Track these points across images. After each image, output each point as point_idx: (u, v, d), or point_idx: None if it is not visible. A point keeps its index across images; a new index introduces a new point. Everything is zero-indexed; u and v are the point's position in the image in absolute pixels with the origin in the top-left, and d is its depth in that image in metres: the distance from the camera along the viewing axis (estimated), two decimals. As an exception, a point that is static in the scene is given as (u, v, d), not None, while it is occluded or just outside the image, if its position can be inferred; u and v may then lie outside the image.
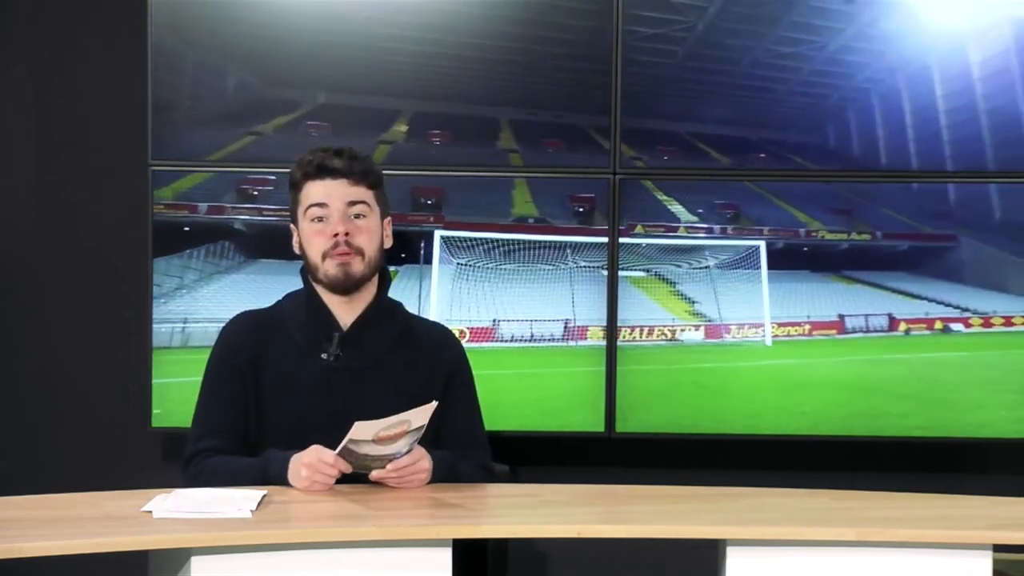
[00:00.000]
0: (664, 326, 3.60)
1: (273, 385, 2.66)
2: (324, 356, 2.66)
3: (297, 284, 2.75)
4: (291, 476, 2.50)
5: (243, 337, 2.71)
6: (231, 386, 2.67)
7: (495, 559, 2.82)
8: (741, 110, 3.51)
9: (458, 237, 3.67)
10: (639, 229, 3.61)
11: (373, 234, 2.67)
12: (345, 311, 2.69)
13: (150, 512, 2.24)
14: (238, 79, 3.67)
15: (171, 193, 3.66)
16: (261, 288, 3.58)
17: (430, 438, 2.57)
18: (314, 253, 2.65)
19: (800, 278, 3.50)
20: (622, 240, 3.63)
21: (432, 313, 3.59)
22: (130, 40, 3.74)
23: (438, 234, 3.67)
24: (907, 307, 3.47)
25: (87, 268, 3.90)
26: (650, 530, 2.30)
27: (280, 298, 2.78)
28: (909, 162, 3.46)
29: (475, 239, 3.66)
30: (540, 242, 3.65)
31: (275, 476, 2.51)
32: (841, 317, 3.49)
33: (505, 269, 3.64)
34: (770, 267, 3.53)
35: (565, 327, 3.63)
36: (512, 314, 3.65)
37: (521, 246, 3.66)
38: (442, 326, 2.91)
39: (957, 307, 3.44)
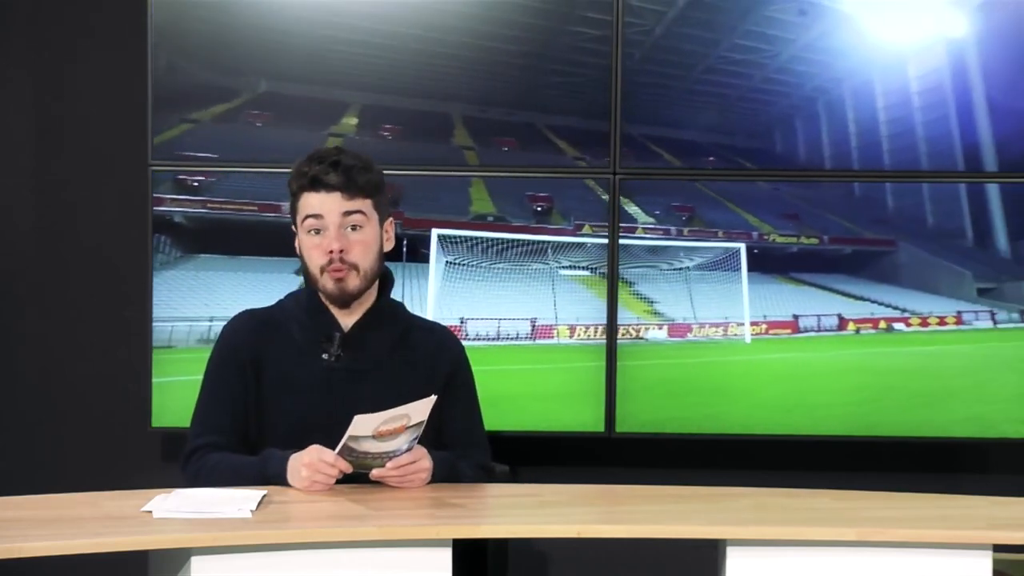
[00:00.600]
0: (628, 325, 3.66)
1: (273, 385, 2.66)
2: (325, 357, 2.66)
3: (282, 283, 2.76)
4: (290, 476, 2.50)
5: (244, 336, 2.71)
6: (231, 385, 2.67)
7: (495, 559, 2.82)
8: (694, 114, 3.60)
9: (449, 236, 3.68)
10: (587, 229, 3.67)
11: (369, 246, 2.66)
12: (346, 312, 2.69)
13: (150, 512, 2.24)
14: (168, 62, 3.63)
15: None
16: (201, 285, 3.60)
17: (430, 438, 2.57)
18: (312, 266, 2.65)
19: (752, 279, 3.62)
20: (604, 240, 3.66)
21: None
22: (130, 40, 3.74)
23: (435, 233, 3.68)
24: (853, 308, 3.62)
25: (87, 268, 3.90)
26: (650, 530, 2.30)
27: (282, 297, 2.79)
28: (851, 168, 3.60)
29: (459, 237, 3.68)
30: (519, 241, 3.69)
31: (274, 476, 2.51)
32: (795, 317, 3.60)
33: (479, 267, 3.66)
34: (726, 269, 3.64)
35: (532, 326, 3.66)
36: (481, 312, 3.67)
37: (495, 245, 3.68)
38: (443, 327, 2.90)
39: (897, 308, 3.59)
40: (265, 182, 3.66)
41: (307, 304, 2.71)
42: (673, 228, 3.63)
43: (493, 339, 3.66)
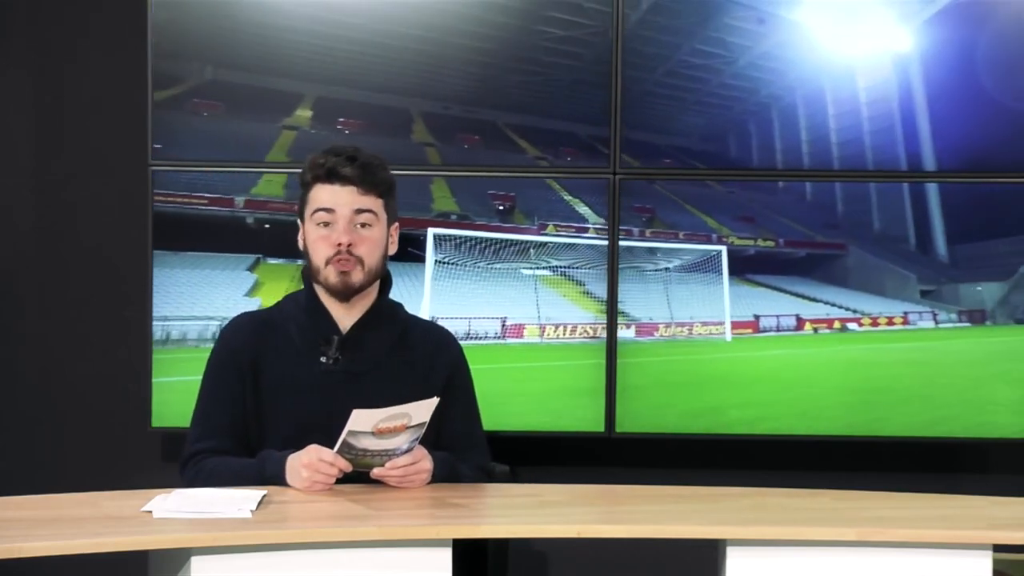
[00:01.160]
0: (586, 324, 3.70)
1: (272, 387, 2.66)
2: (323, 359, 2.66)
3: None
4: (289, 477, 2.50)
5: (243, 338, 2.70)
6: (230, 387, 2.67)
7: (495, 559, 2.82)
8: (651, 116, 3.65)
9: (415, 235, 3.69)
10: (551, 229, 3.70)
11: (376, 244, 2.66)
12: (345, 314, 2.69)
13: (150, 512, 2.24)
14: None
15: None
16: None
17: (430, 440, 2.57)
18: (317, 258, 2.65)
19: (710, 280, 3.69)
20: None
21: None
22: (130, 40, 3.74)
23: (431, 232, 3.68)
24: (810, 309, 3.72)
25: (87, 268, 3.90)
26: (650, 530, 2.30)
27: (280, 299, 2.79)
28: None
29: (447, 236, 3.69)
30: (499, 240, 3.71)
31: (272, 477, 2.51)
32: (756, 318, 3.69)
33: (457, 266, 3.67)
34: (688, 271, 3.72)
35: (502, 325, 3.68)
36: (452, 312, 3.68)
37: (466, 243, 3.71)
38: (442, 328, 2.90)
39: (848, 308, 3.70)
40: (212, 176, 3.66)
41: (306, 304, 2.71)
42: (636, 229, 3.70)
43: (462, 338, 3.69)
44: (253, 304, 3.65)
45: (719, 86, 3.63)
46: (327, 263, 2.63)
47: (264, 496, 2.36)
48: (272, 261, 3.71)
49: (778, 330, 3.67)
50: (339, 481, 2.48)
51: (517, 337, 3.68)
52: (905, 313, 3.66)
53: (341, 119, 3.67)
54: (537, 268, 3.71)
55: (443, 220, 3.69)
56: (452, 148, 3.68)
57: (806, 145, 3.63)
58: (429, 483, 2.55)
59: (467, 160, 3.69)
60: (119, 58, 3.83)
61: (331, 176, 2.63)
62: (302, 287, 2.76)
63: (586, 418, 3.69)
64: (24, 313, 3.92)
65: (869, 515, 2.39)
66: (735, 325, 3.68)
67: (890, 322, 3.65)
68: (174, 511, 2.24)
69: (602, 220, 3.67)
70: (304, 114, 3.67)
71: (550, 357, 3.73)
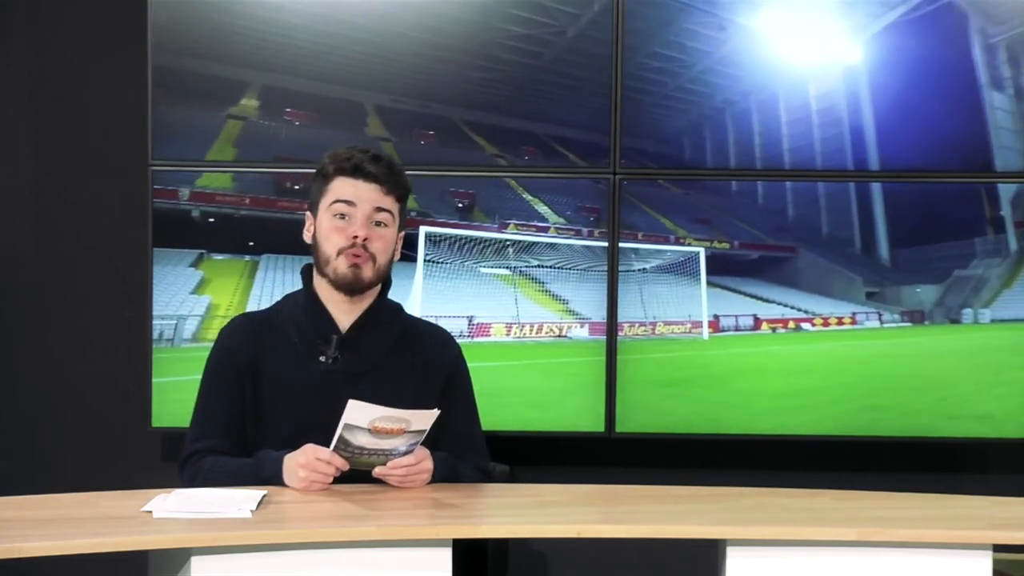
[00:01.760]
0: (553, 323, 3.75)
1: (271, 387, 2.66)
2: (322, 359, 2.66)
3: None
4: (286, 476, 2.50)
5: (241, 339, 2.70)
6: (229, 388, 2.67)
7: (495, 559, 2.82)
8: (605, 117, 3.68)
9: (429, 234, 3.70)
10: (512, 228, 3.73)
11: (389, 244, 2.68)
12: (345, 313, 2.69)
13: (150, 512, 2.24)
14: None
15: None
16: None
17: (429, 441, 2.57)
18: (328, 247, 2.65)
19: (668, 281, 3.75)
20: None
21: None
22: (130, 40, 3.74)
23: (423, 230, 3.69)
24: (763, 310, 3.81)
25: (87, 268, 3.90)
26: (650, 530, 2.30)
27: (278, 299, 2.79)
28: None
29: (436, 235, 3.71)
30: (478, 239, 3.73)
31: (269, 477, 2.51)
32: (716, 317, 3.77)
33: (440, 264, 3.69)
34: (649, 271, 3.78)
35: (469, 323, 3.70)
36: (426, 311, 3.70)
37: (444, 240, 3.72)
38: (442, 329, 2.90)
39: (799, 309, 3.80)
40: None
41: (305, 304, 2.70)
42: (586, 229, 3.74)
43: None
44: (202, 303, 3.64)
45: (675, 89, 3.69)
46: (338, 254, 2.63)
47: (264, 496, 2.37)
48: (217, 257, 3.69)
49: (737, 330, 3.76)
50: (339, 480, 2.48)
51: (484, 336, 3.69)
52: (853, 313, 3.77)
53: (289, 109, 3.65)
54: (513, 268, 3.73)
55: (410, 218, 3.69)
56: (408, 144, 3.67)
57: (758, 149, 3.71)
58: (429, 483, 2.55)
59: (424, 157, 3.69)
60: (119, 58, 3.83)
61: (356, 171, 2.64)
62: (296, 287, 2.76)
63: (586, 418, 3.69)
64: (24, 313, 3.92)
65: (869, 515, 2.39)
66: (694, 324, 3.75)
67: (840, 322, 3.77)
68: (174, 511, 2.24)
69: (562, 220, 3.72)
70: (250, 103, 3.64)
71: (550, 355, 3.74)
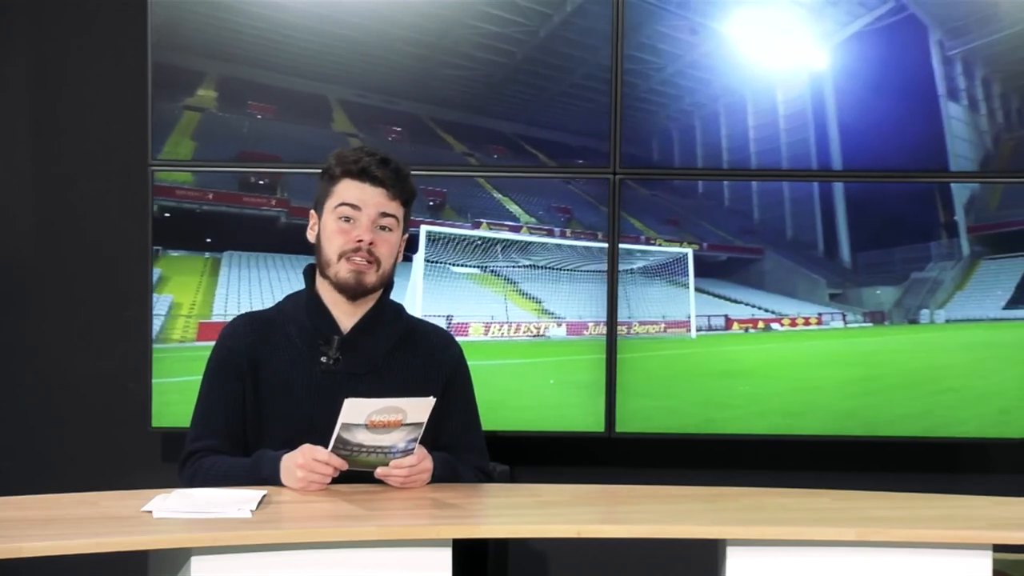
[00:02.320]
0: (530, 323, 3.78)
1: (272, 388, 2.66)
2: (323, 359, 2.66)
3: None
4: (284, 477, 2.49)
5: (242, 339, 2.70)
6: (230, 388, 2.66)
7: (495, 559, 2.82)
8: (573, 117, 3.72)
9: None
10: (484, 227, 3.75)
11: (393, 248, 2.67)
12: (346, 314, 2.69)
13: (150, 512, 2.24)
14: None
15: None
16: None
17: (429, 441, 2.57)
18: (331, 249, 2.64)
19: (639, 281, 3.78)
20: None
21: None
22: (130, 40, 3.74)
23: (424, 229, 3.69)
24: (733, 310, 3.86)
25: (87, 267, 3.90)
26: (650, 530, 2.30)
27: (281, 299, 2.79)
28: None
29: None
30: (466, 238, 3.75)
31: (267, 477, 2.51)
32: (689, 318, 3.81)
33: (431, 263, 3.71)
34: (636, 272, 3.82)
35: (448, 323, 3.71)
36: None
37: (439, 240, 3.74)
38: (443, 329, 2.90)
39: (766, 310, 3.85)
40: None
41: (307, 305, 2.70)
42: (557, 229, 3.76)
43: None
44: (163, 302, 3.63)
45: (646, 91, 3.71)
46: (340, 257, 2.63)
47: (264, 496, 2.36)
48: (174, 253, 3.66)
49: (710, 329, 3.80)
50: (338, 481, 2.48)
51: (462, 335, 3.69)
52: (819, 314, 3.84)
53: (251, 102, 3.64)
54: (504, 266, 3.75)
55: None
56: (375, 140, 3.65)
57: (726, 153, 3.76)
58: (429, 483, 2.55)
59: (392, 153, 3.68)
60: (119, 58, 3.83)
61: (363, 174, 2.63)
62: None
63: (586, 418, 3.69)
64: (24, 313, 3.92)
65: (869, 515, 2.39)
66: (668, 325, 3.78)
67: (807, 322, 3.84)
68: (174, 511, 2.24)
69: (533, 219, 3.75)
70: (208, 94, 3.61)
71: (549, 353, 3.75)
